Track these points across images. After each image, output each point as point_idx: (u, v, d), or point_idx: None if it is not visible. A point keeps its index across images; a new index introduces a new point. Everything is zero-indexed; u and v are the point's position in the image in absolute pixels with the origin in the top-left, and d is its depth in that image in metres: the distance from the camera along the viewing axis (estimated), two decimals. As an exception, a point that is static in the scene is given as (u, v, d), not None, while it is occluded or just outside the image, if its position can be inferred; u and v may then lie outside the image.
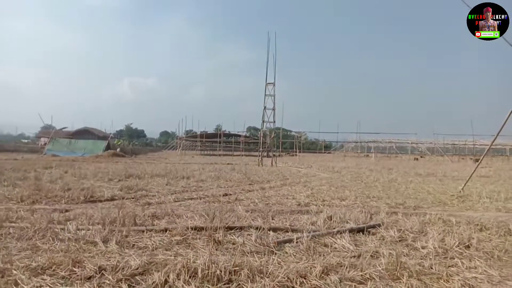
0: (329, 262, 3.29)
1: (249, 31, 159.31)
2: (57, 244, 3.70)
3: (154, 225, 4.74)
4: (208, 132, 56.97)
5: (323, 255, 3.58)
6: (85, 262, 3.09)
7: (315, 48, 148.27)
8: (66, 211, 5.65)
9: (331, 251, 3.78)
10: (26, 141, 61.87)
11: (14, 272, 2.85)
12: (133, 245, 3.81)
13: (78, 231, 4.19)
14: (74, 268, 2.97)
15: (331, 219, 5.24)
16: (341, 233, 4.35)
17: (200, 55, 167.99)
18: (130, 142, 60.97)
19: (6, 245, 3.67)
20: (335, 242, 4.02)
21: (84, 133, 56.18)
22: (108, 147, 34.55)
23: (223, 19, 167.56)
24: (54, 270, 2.95)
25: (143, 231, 4.30)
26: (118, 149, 34.00)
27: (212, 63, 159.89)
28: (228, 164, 22.41)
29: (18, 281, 2.71)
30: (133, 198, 7.23)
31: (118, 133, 76.79)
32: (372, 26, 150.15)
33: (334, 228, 4.62)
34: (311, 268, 3.11)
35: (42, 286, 2.66)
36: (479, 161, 10.84)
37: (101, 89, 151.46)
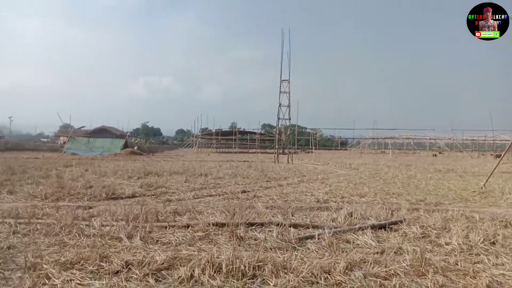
0: (353, 258, 3.28)
1: (265, 28, 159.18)
2: (83, 240, 3.80)
3: (176, 221, 4.81)
4: (223, 130, 57.24)
5: (346, 251, 3.57)
6: (111, 257, 3.16)
7: (330, 45, 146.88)
8: (90, 208, 5.78)
9: (353, 247, 3.76)
10: (45, 140, 63.26)
11: (45, 266, 2.94)
12: (157, 240, 3.88)
13: (102, 227, 4.28)
14: (101, 263, 3.04)
15: (351, 216, 5.22)
16: (362, 229, 4.33)
17: (215, 53, 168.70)
18: (147, 141, 61.72)
19: (34, 240, 3.79)
20: (357, 239, 4.00)
21: (102, 132, 57.27)
22: (125, 146, 35.11)
23: (237, 16, 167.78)
24: (82, 265, 3.03)
25: (165, 227, 4.37)
26: (135, 147, 34.55)
27: (227, 61, 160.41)
28: (244, 161, 22.47)
29: (49, 275, 2.79)
30: (153, 195, 7.34)
31: (134, 131, 77.94)
32: (388, 22, 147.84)
33: (355, 225, 4.59)
34: (334, 264, 3.10)
35: (72, 280, 2.74)
36: (501, 157, 10.59)
37: (117, 88, 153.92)
